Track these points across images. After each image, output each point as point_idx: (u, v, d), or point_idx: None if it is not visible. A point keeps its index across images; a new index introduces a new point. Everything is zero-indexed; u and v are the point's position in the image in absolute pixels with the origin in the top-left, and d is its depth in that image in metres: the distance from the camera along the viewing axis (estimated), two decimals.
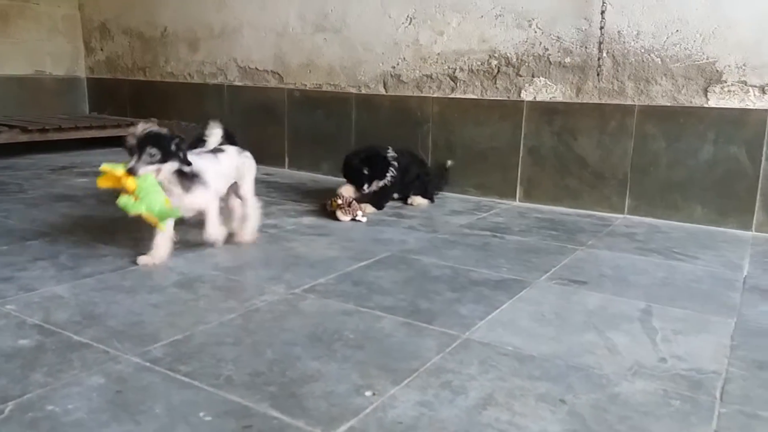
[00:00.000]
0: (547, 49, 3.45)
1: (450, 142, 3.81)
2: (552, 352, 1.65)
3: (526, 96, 3.55)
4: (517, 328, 1.80)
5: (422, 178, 3.50)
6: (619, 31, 3.24)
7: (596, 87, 3.35)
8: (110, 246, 2.44)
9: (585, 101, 3.39)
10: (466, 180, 3.75)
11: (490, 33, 3.60)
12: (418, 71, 3.89)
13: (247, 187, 2.54)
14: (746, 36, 2.97)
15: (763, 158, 2.99)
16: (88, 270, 2.16)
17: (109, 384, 1.40)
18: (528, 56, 3.51)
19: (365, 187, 3.20)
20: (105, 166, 2.08)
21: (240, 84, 4.69)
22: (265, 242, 2.63)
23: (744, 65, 3.00)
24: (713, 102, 3.08)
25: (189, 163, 2.20)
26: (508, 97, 3.60)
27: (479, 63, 3.67)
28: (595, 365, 1.58)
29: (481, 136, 3.70)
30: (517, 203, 3.62)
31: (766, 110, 2.96)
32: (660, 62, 3.18)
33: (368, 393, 1.40)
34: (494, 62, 3.62)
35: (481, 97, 3.69)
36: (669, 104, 3.18)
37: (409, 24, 3.86)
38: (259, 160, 4.55)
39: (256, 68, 4.59)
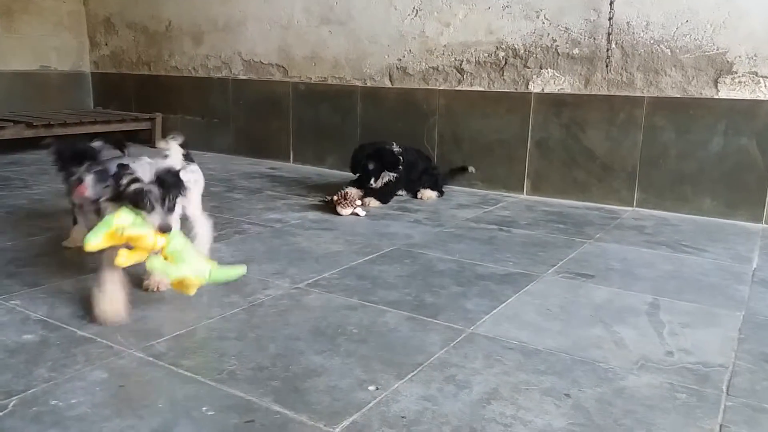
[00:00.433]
0: (555, 41, 3.41)
1: (456, 135, 3.78)
2: (558, 346, 1.63)
3: (534, 88, 3.52)
4: (522, 322, 1.78)
5: (430, 172, 3.50)
6: (628, 22, 3.20)
7: (605, 78, 3.31)
8: None
9: (593, 93, 3.35)
10: (473, 173, 3.72)
11: (497, 24, 3.57)
12: (424, 63, 3.86)
13: (194, 205, 2.16)
14: (757, 26, 2.92)
15: None
16: (93, 265, 2.16)
17: (112, 379, 1.41)
18: (536, 47, 3.48)
19: (373, 181, 3.19)
20: (93, 241, 1.62)
21: (244, 77, 4.68)
22: (269, 236, 2.62)
23: (755, 56, 2.95)
24: (723, 93, 3.04)
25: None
26: (516, 89, 3.57)
27: (486, 55, 3.63)
28: (601, 359, 1.56)
29: (488, 128, 3.67)
30: (524, 196, 3.59)
31: None
32: (669, 53, 3.13)
33: (371, 387, 1.39)
34: (501, 54, 3.58)
35: (488, 89, 3.66)
36: (679, 96, 3.14)
37: (415, 16, 3.83)
38: (264, 153, 4.64)
39: (261, 61, 4.57)
